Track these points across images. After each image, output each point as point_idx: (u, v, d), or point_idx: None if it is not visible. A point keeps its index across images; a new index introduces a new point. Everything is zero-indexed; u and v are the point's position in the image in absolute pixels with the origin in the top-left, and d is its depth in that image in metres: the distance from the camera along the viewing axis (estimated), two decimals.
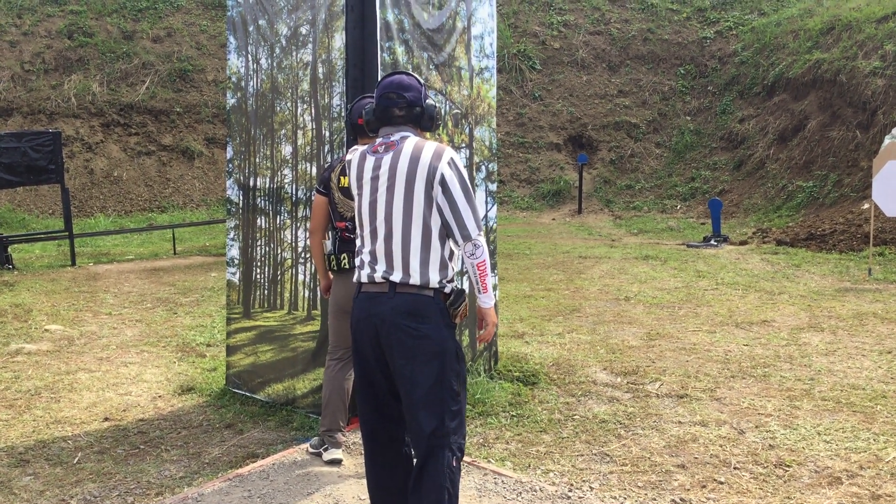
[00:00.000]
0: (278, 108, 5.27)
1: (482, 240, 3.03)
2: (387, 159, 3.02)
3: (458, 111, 5.31)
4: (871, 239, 11.08)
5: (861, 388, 5.56)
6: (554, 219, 18.61)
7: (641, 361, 6.31)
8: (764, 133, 19.07)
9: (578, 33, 23.92)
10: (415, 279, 2.96)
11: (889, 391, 5.48)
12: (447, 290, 3.00)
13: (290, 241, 5.26)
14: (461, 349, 3.06)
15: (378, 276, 3.01)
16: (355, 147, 3.33)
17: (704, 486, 4.03)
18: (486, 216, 5.60)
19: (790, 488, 3.99)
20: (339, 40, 4.75)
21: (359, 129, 4.24)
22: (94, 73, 20.36)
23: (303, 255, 5.19)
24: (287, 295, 5.29)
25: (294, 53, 5.12)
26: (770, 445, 4.56)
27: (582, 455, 4.45)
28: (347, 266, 4.22)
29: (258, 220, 5.43)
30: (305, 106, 5.08)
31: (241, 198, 5.53)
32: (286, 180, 5.26)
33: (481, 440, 4.67)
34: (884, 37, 16.26)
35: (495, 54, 5.67)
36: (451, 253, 3.04)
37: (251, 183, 5.45)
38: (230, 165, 5.59)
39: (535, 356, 6.38)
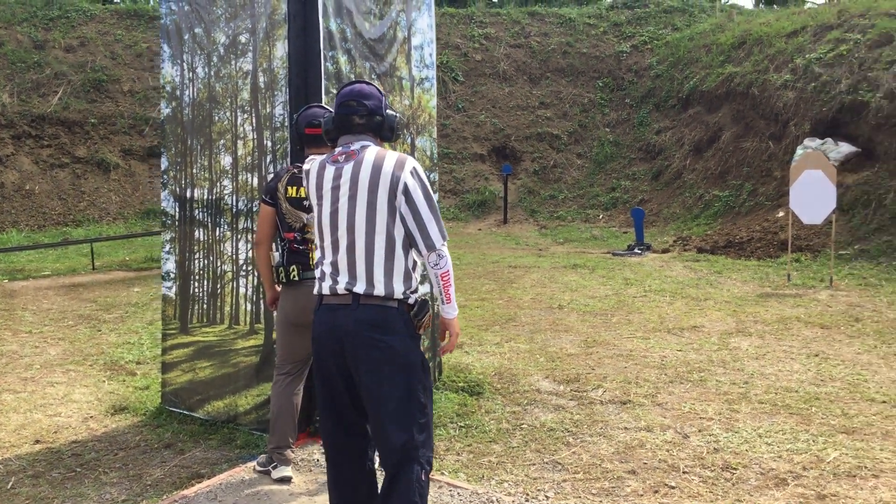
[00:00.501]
0: (216, 118, 5.14)
1: (446, 250, 3.00)
2: (347, 168, 2.97)
3: (401, 121, 5.27)
4: (789, 246, 11.47)
5: (794, 391, 5.73)
6: (480, 229, 18.72)
7: (581, 369, 6.37)
8: (680, 144, 19.57)
9: (499, 46, 24.18)
10: (379, 290, 2.90)
11: (821, 393, 5.66)
12: (411, 300, 2.97)
13: (230, 254, 5.13)
14: (426, 360, 3.02)
15: (340, 288, 2.94)
16: (312, 157, 3.27)
17: (657, 492, 4.08)
18: None
19: (739, 491, 4.07)
20: (281, 49, 4.67)
21: (306, 139, 4.17)
22: (4, 84, 19.56)
23: (244, 267, 5.07)
24: (227, 309, 5.16)
25: (233, 62, 5.01)
26: (715, 449, 4.65)
27: (534, 464, 4.46)
28: (297, 278, 4.12)
29: (196, 233, 5.29)
30: (246, 115, 4.98)
31: (177, 209, 5.37)
32: (226, 191, 5.13)
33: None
34: (793, 51, 16.91)
35: (434, 65, 5.66)
36: (415, 263, 3.01)
37: (188, 194, 5.30)
38: (165, 177, 5.42)
39: (477, 366, 6.37)
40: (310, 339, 4.23)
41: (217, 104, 5.12)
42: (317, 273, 3.08)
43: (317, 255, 3.12)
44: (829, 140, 14.32)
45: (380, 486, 3.05)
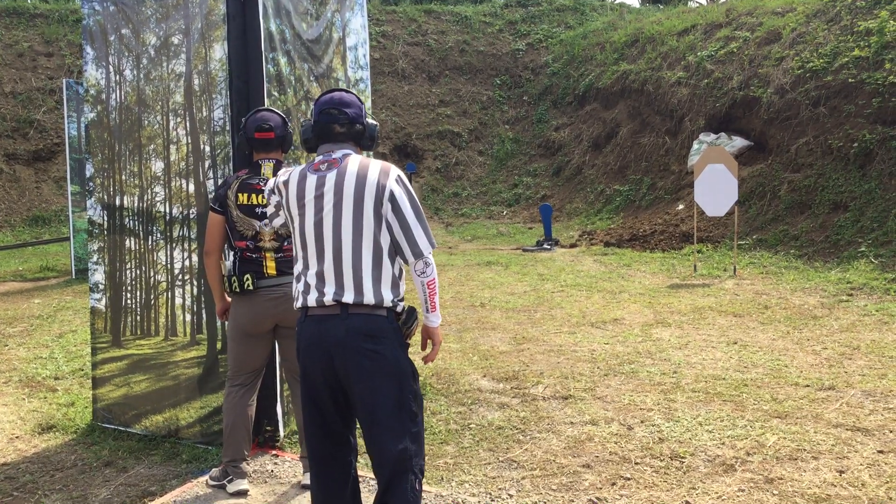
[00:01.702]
0: (146, 122, 4.95)
1: (432, 258, 2.99)
2: (331, 177, 2.92)
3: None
4: (694, 237, 11.91)
5: (722, 379, 5.95)
6: None
7: (517, 366, 6.45)
8: (579, 140, 20.03)
9: (397, 44, 24.16)
10: (368, 299, 2.86)
11: (748, 380, 5.91)
12: (399, 308, 2.93)
13: (164, 263, 4.95)
14: (415, 369, 3.00)
15: (328, 299, 2.88)
16: (289, 167, 3.20)
17: (614, 484, 4.17)
18: None
19: (692, 478, 4.21)
20: (219, 51, 4.53)
21: (255, 143, 4.07)
22: None
23: (180, 277, 4.91)
24: (163, 320, 4.98)
25: (164, 64, 4.83)
26: (660, 439, 4.79)
27: (489, 463, 4.48)
28: (251, 287, 4.00)
29: (127, 242, 5.08)
30: (179, 119, 4.81)
31: (105, 218, 5.14)
32: (158, 198, 4.95)
33: None
34: (685, 49, 17.54)
35: (368, 66, 5.62)
36: (401, 271, 2.98)
37: (117, 202, 5.09)
38: (91, 184, 5.19)
39: (417, 366, 6.34)
40: (263, 349, 4.17)
41: (147, 108, 4.93)
42: (298, 286, 3.00)
43: (297, 266, 3.04)
44: (723, 134, 14.94)
45: (363, 492, 3.01)
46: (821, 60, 13.49)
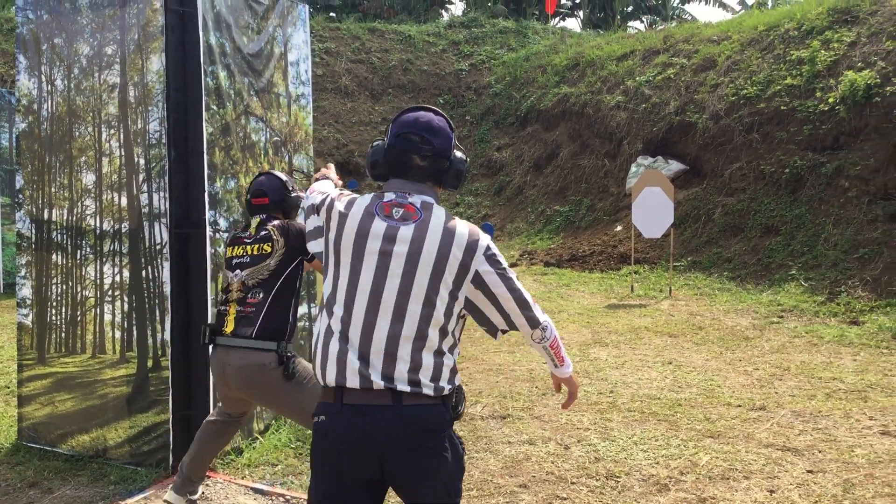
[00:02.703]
0: (77, 134, 4.83)
1: (547, 318, 2.60)
2: (405, 234, 2.38)
3: (278, 138, 5.16)
4: (632, 258, 12.08)
5: (657, 398, 6.02)
6: None
7: None
8: (520, 161, 20.21)
9: (341, 61, 24.11)
10: (427, 389, 2.33)
11: (682, 399, 5.99)
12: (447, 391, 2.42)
13: (93, 278, 4.82)
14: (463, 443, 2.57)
15: (377, 383, 2.31)
16: (352, 194, 2.57)
17: None
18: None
19: (626, 498, 4.23)
20: (156, 63, 4.45)
21: (252, 209, 3.98)
22: None
23: (110, 292, 4.78)
24: (90, 337, 4.84)
25: (97, 74, 4.72)
26: (595, 458, 4.81)
27: None
28: (205, 340, 3.79)
29: (54, 256, 4.94)
30: (112, 131, 4.70)
31: (33, 231, 4.99)
32: (88, 212, 4.83)
33: None
34: (624, 73, 17.86)
35: (310, 81, 5.58)
36: (458, 351, 2.53)
37: (45, 215, 4.94)
38: (20, 196, 5.04)
39: None
40: (243, 401, 3.90)
41: (78, 118, 4.81)
42: (328, 347, 2.38)
43: (326, 319, 2.43)
44: (660, 158, 15.22)
45: None
46: (754, 88, 13.86)
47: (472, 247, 2.40)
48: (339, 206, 2.48)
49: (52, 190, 4.92)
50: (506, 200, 19.52)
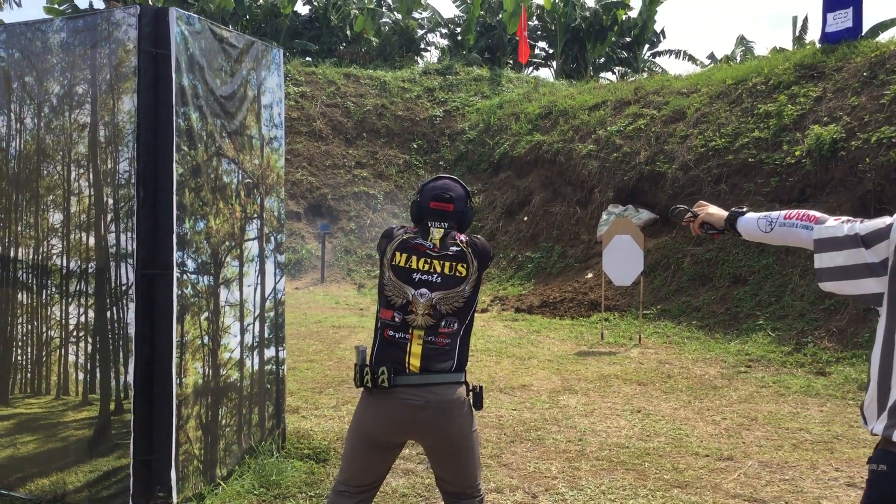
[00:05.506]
0: (45, 172, 4.80)
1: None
2: None
3: (250, 181, 5.15)
4: (602, 305, 12.12)
5: (626, 447, 6.01)
6: (297, 288, 18.43)
7: None
8: (493, 207, 20.33)
9: (316, 105, 24.24)
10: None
11: (650, 448, 5.97)
12: None
13: (58, 319, 4.75)
14: None
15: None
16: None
17: None
18: (274, 288, 5.44)
19: None
20: (128, 103, 4.44)
21: (430, 214, 3.39)
22: None
23: (74, 333, 4.71)
24: (55, 378, 4.75)
25: (67, 114, 4.71)
26: None
27: None
28: (386, 384, 3.19)
29: (19, 295, 4.86)
30: (82, 171, 4.67)
31: None
32: (54, 251, 4.77)
33: None
34: (596, 123, 18.12)
35: (283, 125, 5.60)
36: None
37: (11, 254, 4.88)
38: None
39: (318, 431, 6.22)
40: (383, 464, 3.37)
41: (46, 157, 4.78)
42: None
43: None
44: (631, 206, 15.40)
45: None
46: (723, 140, 14.11)
47: None
48: None
49: (19, 228, 4.86)
50: None
